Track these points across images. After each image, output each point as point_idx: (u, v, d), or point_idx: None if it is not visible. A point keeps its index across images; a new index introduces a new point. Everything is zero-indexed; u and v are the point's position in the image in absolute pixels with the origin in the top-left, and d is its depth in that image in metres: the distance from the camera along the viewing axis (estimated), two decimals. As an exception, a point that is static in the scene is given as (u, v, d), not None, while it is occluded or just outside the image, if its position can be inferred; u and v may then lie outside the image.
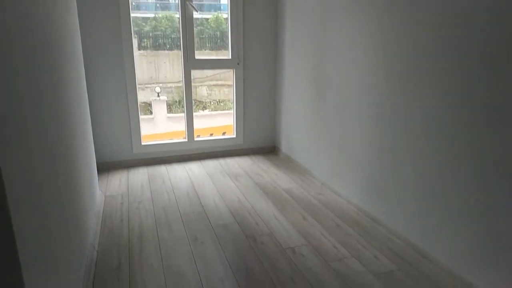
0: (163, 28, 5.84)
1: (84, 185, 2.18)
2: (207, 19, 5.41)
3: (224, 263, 2.09)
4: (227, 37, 3.82)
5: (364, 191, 2.66)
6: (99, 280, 1.94)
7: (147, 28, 5.82)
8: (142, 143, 3.71)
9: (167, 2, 6.25)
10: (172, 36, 5.65)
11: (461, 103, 1.81)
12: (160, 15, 5.97)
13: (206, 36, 5.67)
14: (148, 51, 6.46)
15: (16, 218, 0.93)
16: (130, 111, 3.56)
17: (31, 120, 1.20)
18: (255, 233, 2.41)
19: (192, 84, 3.81)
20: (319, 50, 3.09)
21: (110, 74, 3.42)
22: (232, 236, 2.38)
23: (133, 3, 3.79)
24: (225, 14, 3.94)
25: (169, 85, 7.01)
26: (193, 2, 3.53)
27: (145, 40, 6.07)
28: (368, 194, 2.61)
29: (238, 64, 3.82)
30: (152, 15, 6.06)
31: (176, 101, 7.12)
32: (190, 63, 3.69)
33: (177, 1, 3.51)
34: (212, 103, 7.37)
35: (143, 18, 5.85)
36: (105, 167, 3.58)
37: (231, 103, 4.08)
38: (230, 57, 3.81)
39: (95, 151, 3.34)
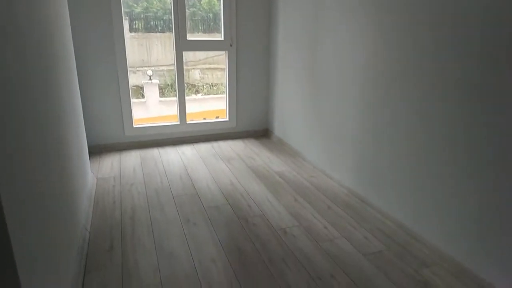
0: (154, 10, 5.72)
1: (74, 167, 2.16)
2: (199, 0, 5.31)
3: (216, 244, 2.11)
4: (220, 19, 3.77)
5: (355, 174, 2.68)
6: (92, 260, 1.95)
7: (138, 10, 5.70)
8: (134, 126, 3.68)
9: (158, -18, 6.11)
10: (164, 18, 5.55)
11: (457, 85, 1.82)
12: (151, -4, 5.84)
13: (199, 18, 5.57)
14: (140, 33, 6.34)
15: (5, 199, 0.92)
16: (121, 94, 3.52)
17: (20, 102, 1.18)
18: (247, 215, 2.43)
19: (185, 67, 3.76)
20: (313, 32, 3.06)
21: (100, 56, 3.36)
22: (225, 217, 2.40)
23: (123, -17, 3.69)
24: (218, -5, 3.87)
25: (161, 68, 6.91)
26: (185, -18, 3.46)
27: (136, 22, 5.95)
28: (359, 176, 2.63)
29: (231, 45, 3.77)
30: (143, -4, 5.93)
31: (168, 85, 7.04)
32: (182, 45, 3.64)
33: (168, -19, 3.44)
34: (205, 87, 7.30)
35: (134, -1, 5.73)
36: (97, 150, 3.56)
37: (224, 87, 4.05)
38: (222, 39, 3.76)
39: (87, 134, 3.32)
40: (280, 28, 3.64)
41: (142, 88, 6.66)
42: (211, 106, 6.53)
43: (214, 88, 7.19)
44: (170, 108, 6.00)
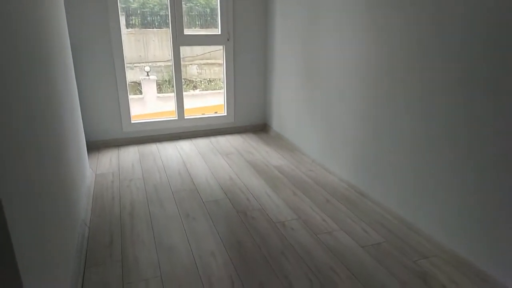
0: (151, 5, 5.69)
1: (73, 163, 2.16)
2: (196, -5, 5.28)
3: (215, 238, 2.12)
4: (216, 14, 3.75)
5: (354, 167, 2.69)
6: (92, 256, 1.96)
7: (134, 5, 5.66)
8: (132, 122, 3.67)
9: (154, -23, 6.07)
10: (161, 13, 5.52)
11: (459, 80, 1.82)
12: (147, -9, 5.80)
13: (196, 13, 5.55)
14: (136, 29, 6.30)
15: (4, 196, 0.92)
16: (119, 90, 3.51)
17: (16, 98, 1.18)
18: (246, 209, 2.44)
19: (182, 62, 3.75)
20: (310, 27, 3.05)
21: (97, 52, 3.34)
22: (224, 211, 2.40)
23: (119, -22, 3.66)
24: (215, -11, 3.85)
25: (158, 64, 6.89)
26: (181, -24, 3.44)
27: (133, 17, 5.91)
28: (358, 170, 2.64)
29: (228, 40, 3.76)
30: (139, -9, 5.89)
31: (166, 81, 7.01)
32: (179, 39, 3.62)
33: (164, -25, 3.42)
34: (202, 82, 7.28)
35: (130, -6, 5.69)
36: (95, 146, 3.56)
37: (222, 83, 4.04)
38: (220, 33, 3.75)
39: (85, 130, 3.31)
40: (277, 23, 3.63)
41: (139, 84, 6.64)
42: (209, 102, 6.52)
43: (212, 83, 7.17)
44: (168, 104, 5.98)
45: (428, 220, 2.06)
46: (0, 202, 0.89)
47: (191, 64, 6.89)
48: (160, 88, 6.92)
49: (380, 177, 2.42)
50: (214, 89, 7.01)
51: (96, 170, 3.06)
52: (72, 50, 2.92)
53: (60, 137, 1.89)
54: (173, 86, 3.80)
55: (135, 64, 6.62)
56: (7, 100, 1.08)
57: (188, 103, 3.91)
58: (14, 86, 1.17)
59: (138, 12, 5.94)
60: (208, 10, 5.21)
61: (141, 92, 6.62)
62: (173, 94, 3.85)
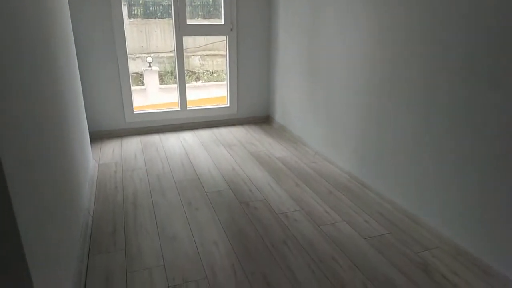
0: (153, -5, 5.65)
1: (76, 152, 2.16)
2: (199, -16, 5.23)
3: (218, 227, 2.13)
4: (219, 4, 3.72)
5: (356, 159, 2.68)
6: (95, 244, 1.97)
7: (137, -5, 5.62)
8: (135, 112, 3.67)
9: (157, -34, 6.02)
10: (163, 3, 5.48)
11: (462, 70, 1.80)
12: (150, -19, 5.76)
13: (198, 3, 5.51)
14: (139, 20, 6.27)
15: (12, 186, 0.93)
16: (121, 80, 3.50)
17: (19, 88, 1.18)
18: (249, 199, 2.44)
19: (185, 53, 3.73)
20: (314, 18, 3.03)
21: (100, 42, 3.33)
22: (226, 202, 2.41)
23: (122, -33, 3.62)
24: (218, -21, 3.82)
25: (160, 55, 6.86)
26: (184, -34, 3.41)
27: (135, 7, 5.88)
28: (361, 162, 2.64)
29: (231, 30, 3.74)
30: (142, -19, 5.84)
31: (168, 72, 6.99)
32: (182, 29, 3.60)
33: (167, -36, 3.38)
34: (205, 73, 7.25)
35: (132, -17, 5.64)
36: (98, 136, 3.56)
37: (225, 74, 4.03)
38: (223, 23, 3.72)
39: (88, 121, 3.31)
40: (281, 13, 3.60)
41: (141, 75, 6.62)
42: (211, 94, 6.50)
43: (215, 75, 7.15)
44: (170, 96, 5.97)
45: (430, 212, 2.07)
46: (6, 188, 0.90)
47: (193, 55, 6.85)
48: (162, 79, 6.90)
49: (382, 169, 2.41)
50: (217, 81, 6.98)
51: (99, 160, 3.07)
52: (74, 40, 2.91)
53: (64, 127, 1.89)
54: (175, 77, 3.79)
55: (137, 55, 6.60)
56: (10, 90, 1.08)
57: (190, 95, 3.90)
58: (17, 77, 1.17)
59: (141, 2, 5.89)
60: (210, 0, 5.17)
61: (143, 83, 6.61)
62: (175, 86, 3.84)
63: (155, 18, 6.43)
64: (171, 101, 4.59)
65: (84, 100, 3.17)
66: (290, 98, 3.63)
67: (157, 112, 3.80)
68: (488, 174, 1.70)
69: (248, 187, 2.61)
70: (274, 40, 3.81)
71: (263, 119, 4.22)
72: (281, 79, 3.79)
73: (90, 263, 1.82)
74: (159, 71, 6.68)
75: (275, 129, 3.94)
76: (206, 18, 5.30)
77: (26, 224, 1.02)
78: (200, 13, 5.51)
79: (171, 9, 3.53)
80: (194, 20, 4.16)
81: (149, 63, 6.49)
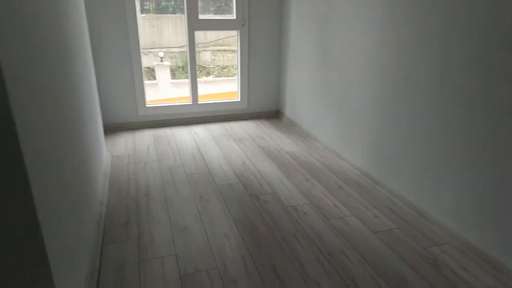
0: (165, -10, 5.68)
1: (90, 144, 2.21)
2: (211, -21, 5.25)
3: (229, 220, 2.16)
4: (231, 0, 3.73)
5: (367, 155, 2.69)
6: (109, 234, 2.02)
7: (149, -10, 5.66)
8: (147, 106, 3.72)
9: (169, -39, 6.04)
10: (175, -1, 5.51)
11: (477, 63, 1.79)
12: (162, -24, 5.79)
13: (210, -2, 5.52)
14: (151, 15, 6.32)
15: (33, 177, 0.97)
16: (134, 74, 3.55)
17: (38, 82, 1.21)
18: (259, 193, 2.47)
19: (196, 49, 3.76)
20: (326, 12, 3.02)
21: (114, 36, 3.37)
22: (237, 195, 2.44)
23: (135, -39, 3.66)
24: (230, -26, 3.83)
25: (172, 50, 6.90)
26: (197, -40, 3.42)
27: (147, 3, 5.92)
28: (371, 157, 2.64)
29: (243, 25, 3.75)
30: (154, -24, 5.87)
31: (179, 67, 7.04)
32: (194, 24, 3.63)
33: (180, -41, 3.40)
34: (215, 69, 7.28)
35: (145, -21, 5.68)
36: (111, 129, 3.62)
37: (235, 69, 4.04)
38: (235, 18, 3.74)
39: (102, 113, 3.36)
40: (293, 8, 3.59)
41: (153, 69, 6.67)
42: (221, 89, 6.53)
43: (225, 70, 7.17)
44: (181, 90, 6.02)
45: (441, 208, 2.06)
46: (28, 183, 0.93)
47: (204, 50, 6.88)
48: (173, 74, 6.95)
49: (393, 164, 2.41)
50: (227, 76, 7.01)
51: (112, 152, 3.12)
52: (89, 35, 2.95)
53: (79, 119, 1.94)
54: (186, 72, 3.82)
55: (149, 50, 6.65)
56: (31, 82, 1.12)
57: (201, 90, 3.93)
58: (38, 71, 1.21)
59: (153, -3, 5.93)
60: (222, -5, 5.18)
61: (154, 78, 6.66)
62: (186, 81, 3.87)
63: (167, 13, 6.47)
64: (182, 96, 4.63)
65: (98, 93, 3.22)
66: (301, 93, 3.64)
67: (169, 106, 3.84)
68: (500, 171, 1.70)
69: (258, 181, 2.64)
70: (286, 34, 3.81)
71: (273, 114, 4.23)
72: (292, 74, 3.79)
73: (104, 251, 1.87)
74: (170, 66, 6.73)
75: (285, 124, 3.95)
76: (218, 13, 5.32)
77: (46, 217, 1.06)
78: (211, 9, 5.53)
79: (183, 4, 3.55)
80: (205, 15, 4.18)
81: (161, 58, 6.54)
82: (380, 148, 2.53)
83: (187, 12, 3.56)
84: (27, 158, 0.94)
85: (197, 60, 3.81)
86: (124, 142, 3.37)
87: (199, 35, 3.70)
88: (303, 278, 1.71)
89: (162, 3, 5.98)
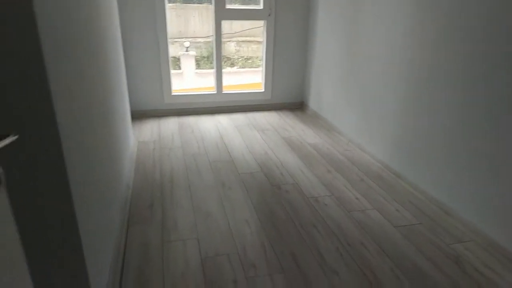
0: (193, -20, 5.72)
1: (119, 130, 2.29)
2: (238, -31, 5.25)
3: (250, 207, 2.20)
4: (258, -11, 3.73)
5: (390, 148, 2.66)
6: (134, 216, 2.10)
7: (177, -20, 5.71)
8: (173, 94, 3.79)
9: (198, -49, 6.08)
10: (202, -12, 5.54)
11: (503, 57, 1.74)
12: (190, -35, 5.82)
13: (237, -11, 5.53)
14: (178, 4, 6.38)
15: (69, 159, 1.02)
16: (161, 63, 3.62)
17: (72, 71, 1.27)
18: (280, 182, 2.49)
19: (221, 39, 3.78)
20: (353, 8, 2.98)
21: (142, 27, 3.45)
22: (258, 184, 2.47)
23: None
24: (258, -36, 3.82)
25: (197, 40, 6.96)
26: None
27: (174, -8, 5.98)
28: (394, 151, 2.61)
29: (269, 15, 3.74)
30: (182, -35, 5.92)
31: (204, 57, 7.09)
32: (221, 13, 3.65)
33: (209, -51, 3.42)
34: (240, 60, 7.30)
35: (173, -32, 5.74)
36: (138, 116, 3.72)
37: (259, 61, 4.05)
38: (262, 7, 3.74)
39: (129, 100, 3.46)
40: (320, 0, 3.56)
41: (178, 59, 6.76)
42: (245, 80, 6.55)
43: (249, 61, 7.18)
44: (205, 80, 6.07)
45: (465, 205, 2.03)
46: (65, 170, 0.99)
47: (229, 41, 6.91)
48: (198, 64, 7.02)
49: (416, 159, 2.38)
50: (251, 67, 7.02)
51: (139, 138, 3.22)
52: (120, 23, 3.03)
53: (109, 106, 2.01)
54: (211, 62, 3.86)
55: (175, 39, 6.74)
56: (67, 71, 1.17)
57: (225, 80, 3.97)
58: (78, 62, 1.26)
59: (181, -14, 5.98)
60: (249, -15, 5.17)
61: (180, 67, 6.75)
62: (210, 71, 3.92)
63: (194, 3, 6.52)
64: (207, 86, 4.68)
65: (127, 80, 3.31)
66: (326, 86, 3.61)
67: (194, 94, 3.90)
68: (529, 168, 1.65)
69: (280, 171, 2.66)
70: (312, 26, 3.78)
71: (297, 105, 4.22)
72: (317, 66, 3.77)
73: (130, 231, 1.95)
74: (195, 56, 6.80)
75: (309, 116, 3.94)
76: (245, 4, 5.32)
77: (80, 197, 1.12)
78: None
79: (211, -6, 3.57)
80: (232, 5, 4.20)
81: (186, 47, 6.61)
82: (403, 142, 2.50)
83: (215, 1, 3.59)
84: (66, 147, 1.00)
85: (222, 50, 3.84)
86: (150, 129, 3.45)
87: (225, 26, 3.72)
88: (321, 267, 1.73)
89: (189, -7, 6.02)
